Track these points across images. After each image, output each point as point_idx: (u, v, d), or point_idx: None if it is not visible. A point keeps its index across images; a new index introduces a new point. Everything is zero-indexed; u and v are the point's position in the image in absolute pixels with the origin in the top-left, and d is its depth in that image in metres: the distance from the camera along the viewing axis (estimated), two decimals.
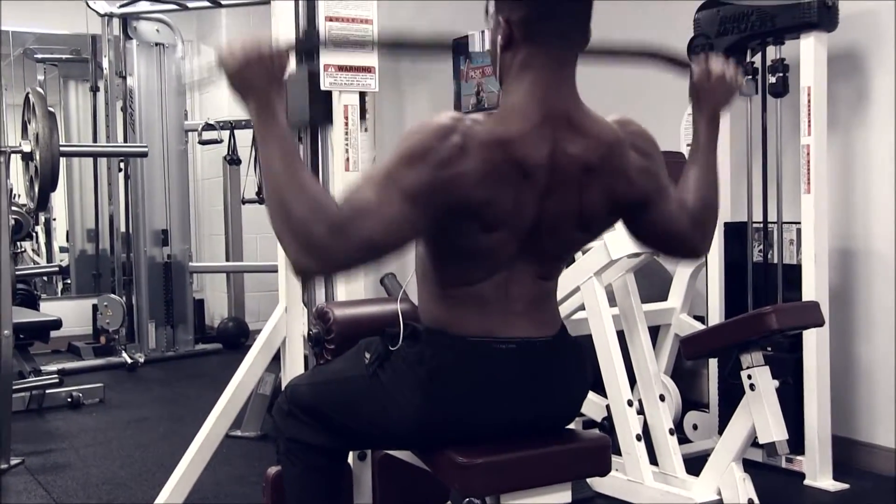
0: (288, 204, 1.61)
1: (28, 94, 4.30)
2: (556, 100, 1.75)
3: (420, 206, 1.64)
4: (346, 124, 2.67)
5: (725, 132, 3.84)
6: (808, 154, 3.54)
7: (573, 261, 3.58)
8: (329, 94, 2.68)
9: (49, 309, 5.98)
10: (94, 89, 7.15)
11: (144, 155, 5.93)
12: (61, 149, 4.28)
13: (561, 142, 1.73)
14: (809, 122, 3.53)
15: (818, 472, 3.51)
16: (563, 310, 3.39)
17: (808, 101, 3.52)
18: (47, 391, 4.98)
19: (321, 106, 2.67)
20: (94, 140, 7.16)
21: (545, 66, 1.75)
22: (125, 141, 6.62)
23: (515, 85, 1.76)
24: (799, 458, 3.56)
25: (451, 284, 1.83)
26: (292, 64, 1.76)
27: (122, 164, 6.81)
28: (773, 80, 3.70)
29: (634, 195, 1.84)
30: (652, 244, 1.99)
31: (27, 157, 4.26)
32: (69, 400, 5.05)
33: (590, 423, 3.72)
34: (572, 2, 1.76)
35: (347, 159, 2.64)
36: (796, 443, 3.46)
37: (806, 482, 3.53)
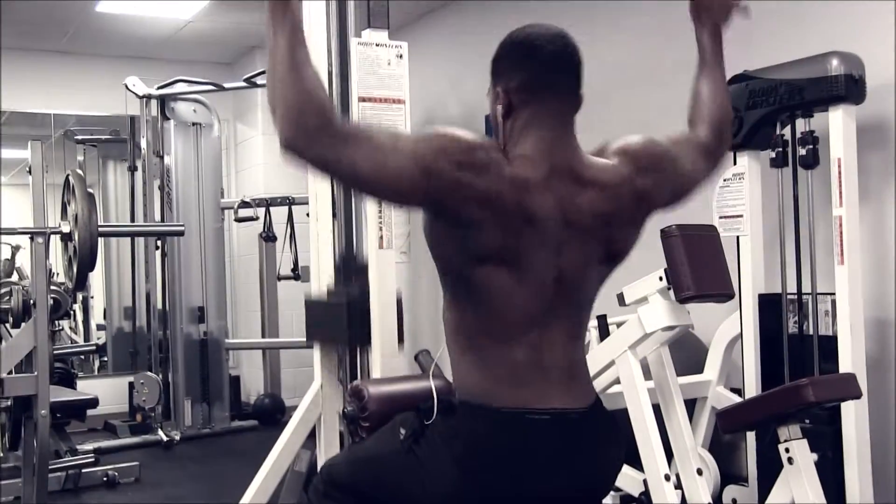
0: (291, 80, 1.64)
1: (68, 175, 4.40)
2: (560, 155, 1.81)
3: (416, 177, 1.68)
4: (380, 203, 2.71)
5: (758, 203, 3.86)
6: (841, 225, 3.53)
7: (607, 333, 3.58)
8: (368, 317, 2.73)
9: (86, 387, 6.03)
10: (133, 168, 7.30)
11: (181, 234, 6.02)
12: (100, 229, 4.35)
13: (569, 196, 1.79)
14: (841, 193, 3.53)
15: None
16: (599, 384, 3.38)
17: (839, 173, 3.53)
18: (83, 470, 5.00)
19: (359, 330, 2.74)
20: (132, 219, 7.29)
21: (545, 125, 1.82)
22: (162, 219, 6.72)
23: (519, 146, 1.82)
24: None
25: (484, 346, 1.83)
26: None
27: (158, 242, 6.90)
28: (803, 152, 3.71)
29: (660, 204, 1.93)
30: (676, 202, 2.03)
31: (66, 238, 4.34)
32: (105, 479, 5.06)
33: (627, 498, 3.68)
34: (564, 69, 1.84)
35: (381, 237, 2.67)
36: None
37: None
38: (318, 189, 3.02)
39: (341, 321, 2.72)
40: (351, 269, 2.83)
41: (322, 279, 2.99)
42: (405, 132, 1.74)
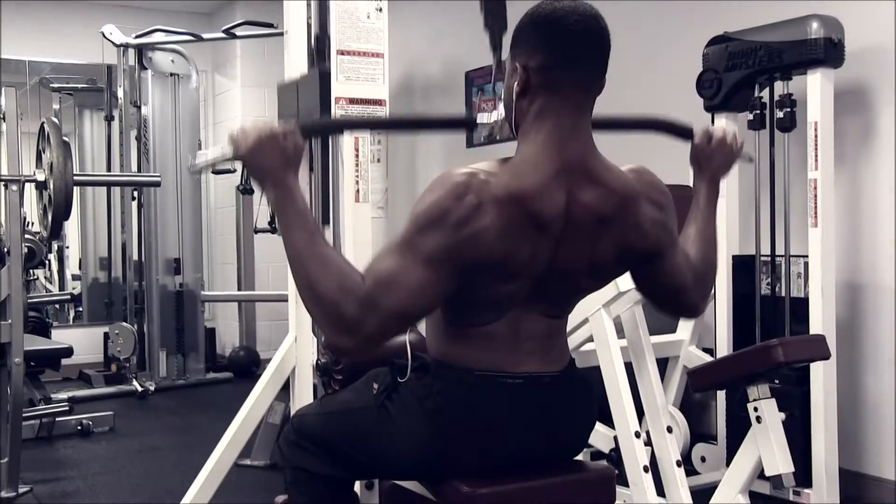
0: (315, 284, 1.64)
1: (43, 123, 4.34)
2: (573, 149, 1.75)
3: (442, 269, 1.66)
4: (357, 156, 2.70)
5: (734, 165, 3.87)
6: (816, 188, 3.55)
7: None
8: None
9: (61, 337, 6.02)
10: (109, 118, 7.23)
11: (157, 184, 5.98)
12: (75, 178, 4.31)
13: (576, 192, 1.74)
14: (817, 156, 3.55)
15: None
16: (572, 341, 3.40)
17: (816, 136, 3.55)
18: (57, 419, 5.01)
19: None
20: (108, 169, 7.23)
21: (562, 114, 1.75)
22: (139, 170, 6.68)
23: (532, 133, 1.76)
24: (806, 491, 3.55)
25: (461, 325, 1.84)
26: (305, 144, 1.79)
27: (135, 193, 6.87)
28: (780, 114, 3.72)
29: (646, 247, 1.85)
30: (656, 297, 1.99)
31: (41, 186, 4.30)
32: (79, 428, 5.07)
33: (597, 455, 3.72)
34: (592, 50, 1.76)
35: (358, 191, 2.67)
36: (803, 476, 3.46)
37: None
38: None
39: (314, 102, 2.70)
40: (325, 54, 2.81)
41: None
42: (400, 240, 1.70)
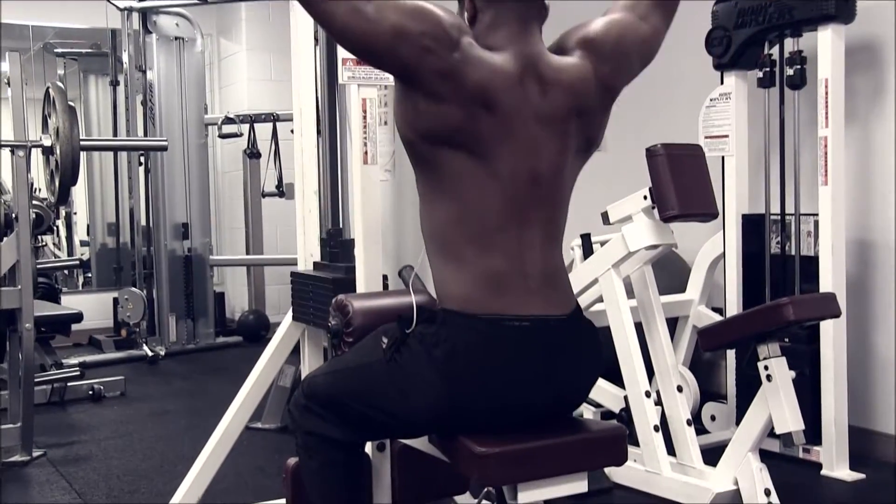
0: None
1: (48, 88, 4.32)
2: (527, 53, 1.85)
3: (389, 40, 1.75)
4: (365, 118, 2.68)
5: (744, 123, 3.85)
6: (826, 146, 3.53)
7: (591, 252, 3.60)
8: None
9: (70, 302, 6.04)
10: (114, 83, 7.21)
11: (164, 149, 5.97)
12: (81, 143, 4.29)
13: (538, 94, 1.84)
14: (827, 114, 3.52)
15: (835, 463, 3.52)
16: (582, 301, 3.40)
17: (826, 94, 3.52)
18: (69, 384, 5.04)
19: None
20: (115, 134, 7.21)
21: (510, 22, 1.86)
22: (145, 135, 6.66)
23: (489, 39, 1.86)
24: (816, 448, 3.57)
25: (462, 252, 1.85)
26: None
27: (142, 158, 6.85)
28: (790, 72, 3.69)
29: (628, 78, 1.98)
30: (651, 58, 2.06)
31: (48, 152, 4.28)
32: (90, 393, 5.10)
33: (608, 415, 3.74)
34: None
35: (366, 153, 2.65)
36: (813, 433, 3.47)
37: (822, 472, 3.54)
38: (303, 105, 2.99)
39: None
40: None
41: (306, 196, 2.98)
42: None
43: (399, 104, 1.85)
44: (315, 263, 2.96)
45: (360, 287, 2.62)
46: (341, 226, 3.11)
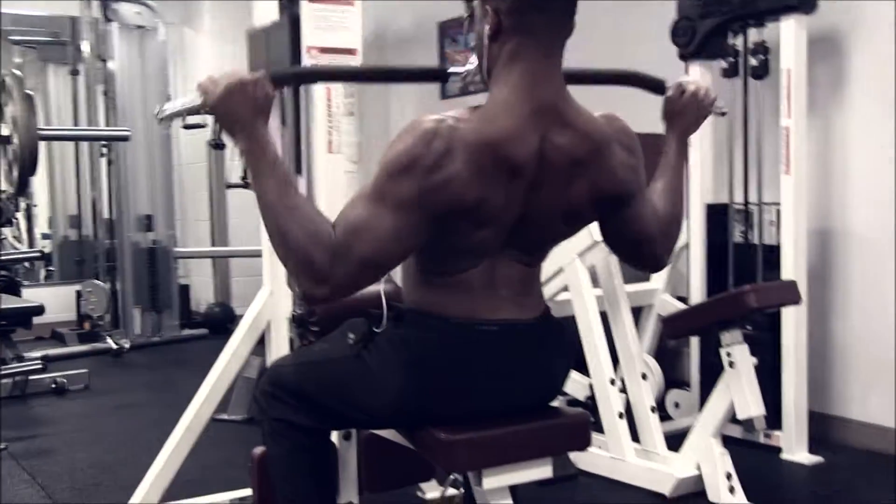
0: (286, 235, 1.63)
1: (5, 77, 4.27)
2: (546, 92, 1.74)
3: (413, 216, 1.65)
4: (329, 107, 2.67)
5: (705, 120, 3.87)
6: (788, 136, 3.57)
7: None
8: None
9: (32, 296, 5.96)
10: (74, 73, 7.12)
11: (126, 139, 5.91)
12: (40, 132, 4.25)
13: (549, 135, 1.73)
14: (789, 103, 3.56)
15: (794, 447, 3.57)
16: (547, 291, 3.41)
17: (788, 84, 3.55)
18: (31, 377, 4.98)
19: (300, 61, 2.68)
20: (75, 124, 7.13)
21: (534, 58, 1.74)
22: (107, 125, 6.59)
23: (503, 77, 1.75)
24: (776, 433, 3.62)
25: (436, 273, 1.84)
26: (275, 93, 1.76)
27: (104, 150, 6.78)
28: (754, 62, 3.73)
29: (617, 190, 1.84)
30: (622, 247, 1.99)
31: (5, 141, 4.23)
32: (53, 386, 5.05)
33: (573, 403, 3.76)
34: None
35: (330, 142, 2.65)
36: (774, 419, 3.51)
37: (782, 456, 3.59)
38: None
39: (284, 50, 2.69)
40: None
41: None
42: (370, 188, 1.68)
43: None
44: None
45: None
46: None
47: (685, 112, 2.04)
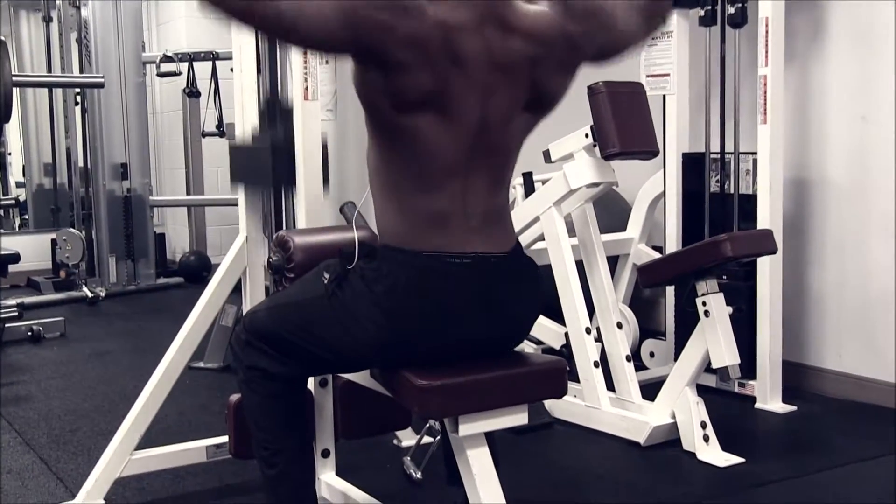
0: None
1: None
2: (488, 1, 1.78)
3: (344, 28, 1.67)
4: (305, 54, 2.64)
5: (685, 62, 3.86)
6: (766, 85, 3.56)
7: (533, 190, 3.61)
8: (293, 159, 2.67)
9: (7, 244, 5.90)
10: (47, 19, 7.01)
11: (101, 86, 5.83)
12: (14, 79, 4.19)
13: (498, 40, 1.77)
14: (767, 53, 3.55)
15: (768, 396, 3.61)
16: (523, 240, 3.41)
17: (766, 32, 3.54)
18: (7, 325, 4.96)
19: (285, 172, 2.66)
20: (49, 72, 7.03)
21: None
22: (80, 73, 6.50)
23: None
24: (751, 382, 3.65)
25: (407, 192, 1.85)
26: None
27: (78, 97, 6.70)
28: (732, 10, 3.70)
29: (588, 54, 1.91)
30: (607, 58, 2.02)
31: None
32: (29, 334, 5.04)
33: (549, 351, 3.78)
34: None
35: (307, 88, 2.62)
36: (748, 368, 3.55)
37: (757, 405, 3.63)
38: (242, 42, 2.93)
39: (266, 164, 2.68)
40: (275, 114, 2.76)
41: (246, 130, 2.94)
42: None
43: (360, 77, 1.77)
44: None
45: (301, 216, 2.62)
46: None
47: None
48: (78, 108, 6.72)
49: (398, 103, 1.75)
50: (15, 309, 5.01)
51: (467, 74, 1.76)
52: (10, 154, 7.82)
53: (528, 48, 1.80)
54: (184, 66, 6.64)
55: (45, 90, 7.35)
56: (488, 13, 1.78)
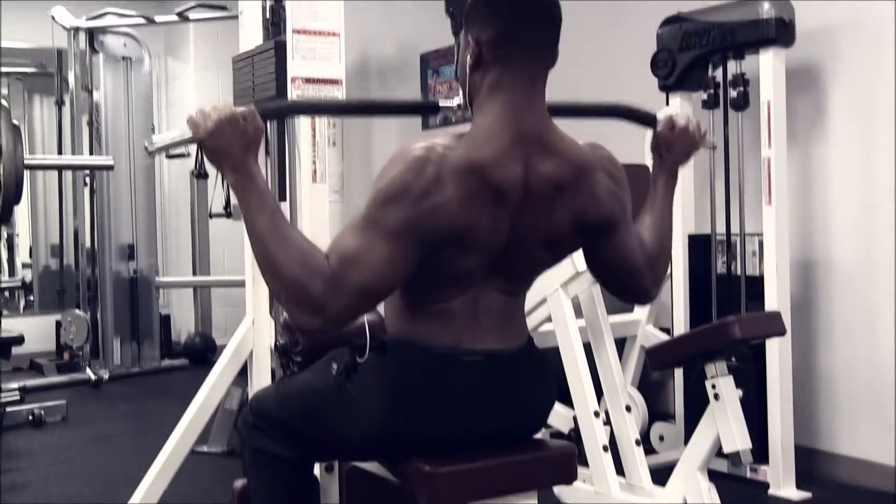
0: (279, 266, 1.63)
1: None
2: (528, 120, 1.76)
3: (406, 244, 1.66)
4: (314, 136, 2.67)
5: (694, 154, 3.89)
6: (769, 166, 3.59)
7: None
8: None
9: (11, 325, 5.89)
10: (60, 103, 7.10)
11: (110, 168, 5.88)
12: (26, 161, 4.23)
13: (532, 162, 1.74)
14: (770, 135, 3.58)
15: (782, 482, 3.55)
16: (531, 322, 3.40)
17: (769, 115, 3.58)
18: (8, 409, 4.90)
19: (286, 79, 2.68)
20: (60, 154, 7.10)
21: (516, 86, 1.76)
22: (91, 155, 6.56)
23: (486, 106, 1.77)
24: (763, 467, 3.60)
25: (421, 302, 1.83)
26: (264, 123, 1.76)
27: (87, 179, 6.75)
28: (734, 94, 3.75)
29: (601, 217, 1.85)
30: (608, 276, 1.99)
31: None
32: (31, 418, 4.97)
33: (557, 435, 3.73)
34: (543, 22, 1.78)
35: (315, 171, 2.64)
36: (760, 452, 3.49)
37: (770, 492, 3.57)
38: None
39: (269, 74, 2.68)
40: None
41: None
42: (362, 217, 1.69)
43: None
44: None
45: None
46: None
47: (675, 146, 2.05)
48: (87, 190, 6.76)
49: (459, 252, 1.74)
50: (17, 392, 4.96)
51: (504, 200, 1.73)
52: (17, 235, 7.85)
53: (561, 173, 1.77)
54: (192, 148, 6.67)
55: (55, 171, 7.41)
56: (527, 133, 1.75)
